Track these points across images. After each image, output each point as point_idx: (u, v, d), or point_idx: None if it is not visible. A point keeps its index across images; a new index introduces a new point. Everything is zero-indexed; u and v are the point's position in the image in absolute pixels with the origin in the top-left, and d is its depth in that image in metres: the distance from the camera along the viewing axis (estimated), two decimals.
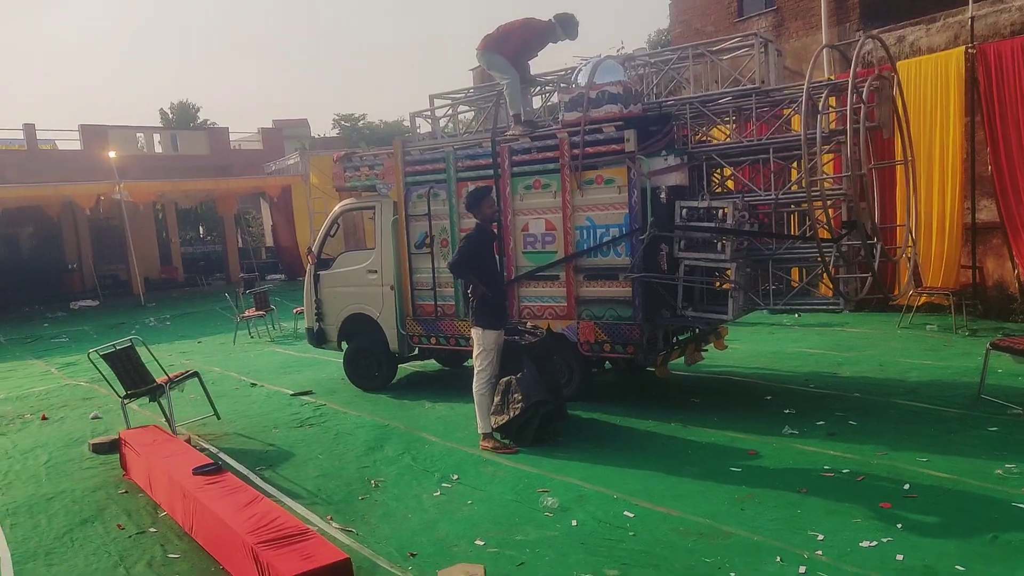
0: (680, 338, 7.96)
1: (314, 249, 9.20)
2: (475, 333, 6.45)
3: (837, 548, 4.17)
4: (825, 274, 6.77)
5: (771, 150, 6.92)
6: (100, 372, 7.08)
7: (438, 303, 8.26)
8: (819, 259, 6.45)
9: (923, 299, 10.83)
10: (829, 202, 6.85)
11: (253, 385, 9.69)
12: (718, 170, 7.57)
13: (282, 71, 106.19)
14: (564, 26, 7.81)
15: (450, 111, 9.32)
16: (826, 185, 6.85)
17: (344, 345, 9.10)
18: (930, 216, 10.61)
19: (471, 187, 7.86)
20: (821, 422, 6.43)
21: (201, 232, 34.67)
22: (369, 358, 8.86)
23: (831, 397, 7.26)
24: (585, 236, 7.31)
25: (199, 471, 5.15)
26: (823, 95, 6.58)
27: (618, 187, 7.08)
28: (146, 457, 5.75)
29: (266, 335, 14.10)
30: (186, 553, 4.72)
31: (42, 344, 15.69)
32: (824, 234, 6.69)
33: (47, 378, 11.53)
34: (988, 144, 10.14)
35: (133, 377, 6.98)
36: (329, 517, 5.13)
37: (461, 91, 9.18)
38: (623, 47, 23.91)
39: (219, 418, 7.71)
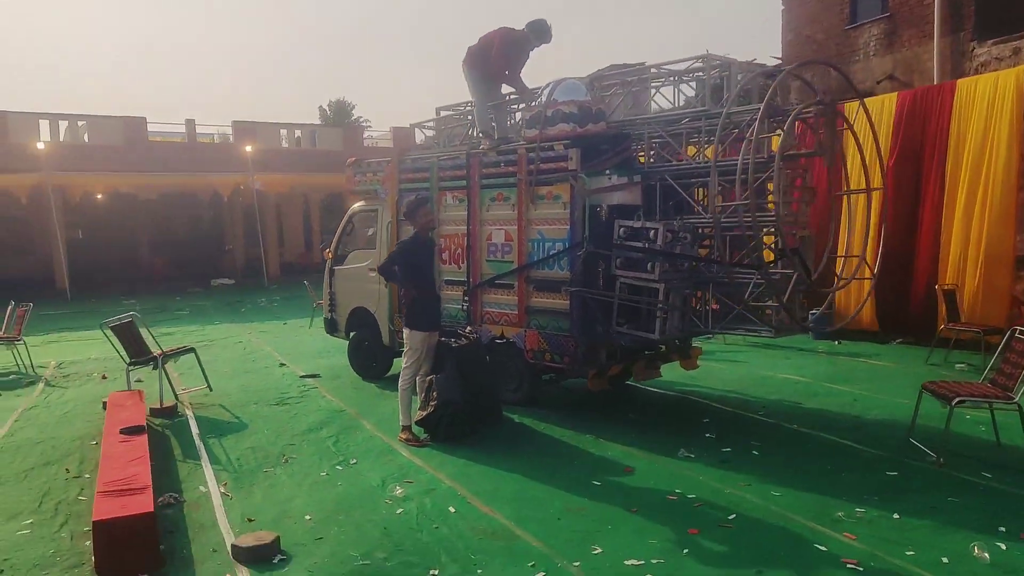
0: (647, 353, 8.04)
1: (331, 246, 10.08)
2: (404, 333, 7.00)
3: (602, 563, 4.36)
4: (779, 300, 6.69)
5: (714, 173, 6.93)
6: (111, 342, 8.30)
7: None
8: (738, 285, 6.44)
9: (962, 334, 10.09)
10: (766, 229, 6.79)
11: (281, 365, 10.75)
12: (702, 190, 7.60)
13: (441, 74, 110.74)
14: (536, 32, 8.11)
15: (454, 123, 9.85)
16: (769, 209, 6.81)
17: (351, 335, 9.92)
18: (978, 245, 9.87)
19: (448, 196, 8.45)
20: (727, 449, 6.41)
21: None
22: (367, 349, 9.62)
23: (766, 426, 7.15)
24: (536, 248, 7.62)
25: (124, 431, 6.07)
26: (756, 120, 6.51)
27: (563, 203, 7.34)
28: (109, 415, 6.79)
29: None
30: (91, 497, 5.65)
31: (164, 315, 17.80)
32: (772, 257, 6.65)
33: None
34: None
35: (135, 348, 8.12)
36: (225, 483, 5.88)
37: (464, 103, 9.68)
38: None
39: (211, 390, 8.74)
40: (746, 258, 6.72)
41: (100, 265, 25.45)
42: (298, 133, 30.56)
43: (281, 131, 29.35)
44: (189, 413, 7.90)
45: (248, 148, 23.68)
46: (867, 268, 7.12)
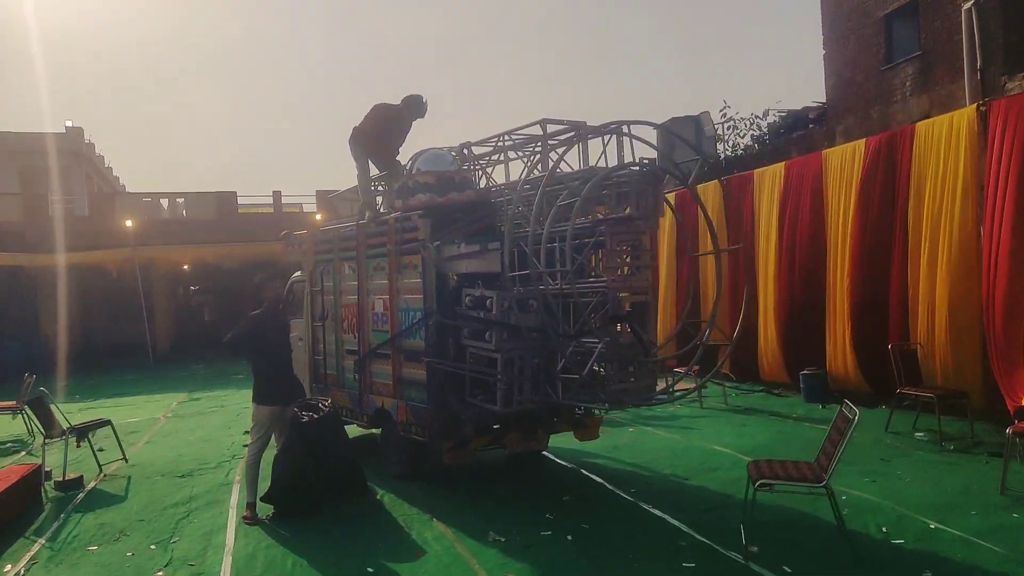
0: (525, 424, 7.71)
1: None
2: (252, 408, 7.11)
3: None
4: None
5: (559, 239, 6.67)
6: (30, 416, 8.93)
7: (326, 372, 8.99)
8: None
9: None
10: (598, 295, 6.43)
11: (245, 432, 11.12)
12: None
13: None
14: (409, 107, 8.20)
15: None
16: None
17: None
18: (944, 302, 8.83)
19: (346, 266, 8.59)
20: (547, 532, 6.03)
21: None
22: None
23: (619, 505, 6.68)
24: (404, 318, 7.59)
25: None
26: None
27: (419, 273, 7.30)
28: None
29: None
30: None
31: (222, 379, 18.75)
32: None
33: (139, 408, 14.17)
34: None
35: (46, 422, 8.67)
36: (34, 562, 6.08)
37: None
38: (727, 107, 22.96)
39: (127, 461, 9.17)
40: (579, 326, 6.38)
41: (184, 332, 27.02)
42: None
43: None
44: (92, 485, 8.28)
45: (317, 216, 24.98)
46: (718, 331, 6.54)
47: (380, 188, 9.08)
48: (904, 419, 8.94)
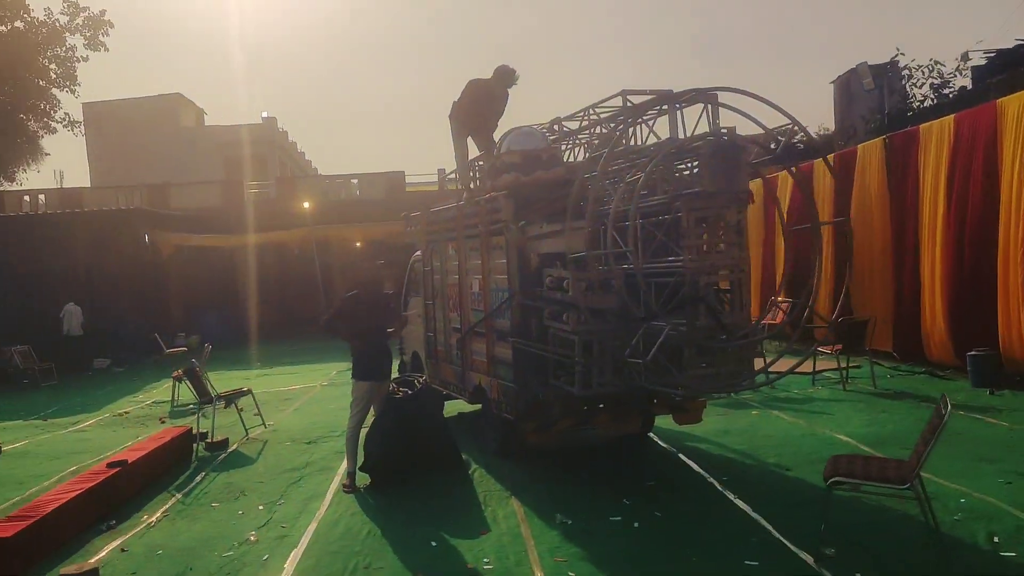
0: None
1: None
2: (352, 383, 7.48)
3: None
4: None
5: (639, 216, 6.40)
6: (188, 384, 9.95)
7: (437, 348, 9.26)
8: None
9: None
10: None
11: None
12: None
13: None
14: (498, 78, 8.10)
15: None
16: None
17: None
18: None
19: (450, 247, 8.79)
20: (617, 518, 5.88)
21: None
22: None
23: (708, 494, 6.38)
24: (495, 298, 7.64)
25: (110, 464, 7.37)
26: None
27: (504, 253, 7.30)
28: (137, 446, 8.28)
29: None
30: None
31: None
32: None
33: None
34: None
35: (199, 390, 9.65)
36: (166, 512, 6.88)
37: None
38: (899, 54, 19.00)
39: (266, 427, 9.98)
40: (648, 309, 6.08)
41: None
42: None
43: None
44: (234, 447, 9.15)
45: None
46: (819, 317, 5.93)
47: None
48: None
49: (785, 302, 9.42)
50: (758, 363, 6.74)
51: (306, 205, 25.52)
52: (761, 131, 6.09)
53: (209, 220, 25.92)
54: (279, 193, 29.77)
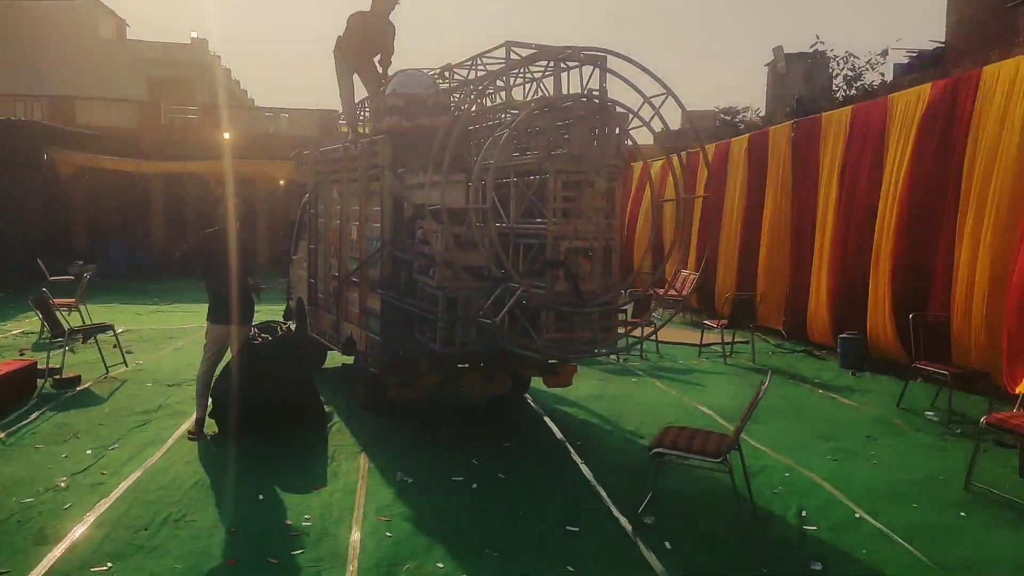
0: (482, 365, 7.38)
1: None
2: (207, 325, 7.13)
3: None
4: None
5: (512, 174, 6.24)
6: (38, 315, 9.44)
7: (318, 295, 8.99)
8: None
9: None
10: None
11: None
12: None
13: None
14: (380, 4, 7.73)
15: None
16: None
17: None
18: (982, 269, 7.76)
19: (334, 190, 8.44)
20: (459, 478, 5.82)
21: None
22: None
23: (557, 460, 6.38)
24: (370, 246, 7.40)
25: None
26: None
27: (380, 200, 7.05)
28: None
29: None
30: None
31: None
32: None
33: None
34: None
35: (50, 321, 9.14)
36: None
37: None
38: (818, 42, 19.49)
39: (127, 366, 9.61)
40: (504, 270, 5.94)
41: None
42: None
43: None
44: (87, 385, 8.68)
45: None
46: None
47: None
48: (927, 395, 8.07)
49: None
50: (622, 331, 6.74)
51: (226, 136, 24.53)
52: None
53: (121, 142, 24.62)
54: (202, 121, 28.51)
